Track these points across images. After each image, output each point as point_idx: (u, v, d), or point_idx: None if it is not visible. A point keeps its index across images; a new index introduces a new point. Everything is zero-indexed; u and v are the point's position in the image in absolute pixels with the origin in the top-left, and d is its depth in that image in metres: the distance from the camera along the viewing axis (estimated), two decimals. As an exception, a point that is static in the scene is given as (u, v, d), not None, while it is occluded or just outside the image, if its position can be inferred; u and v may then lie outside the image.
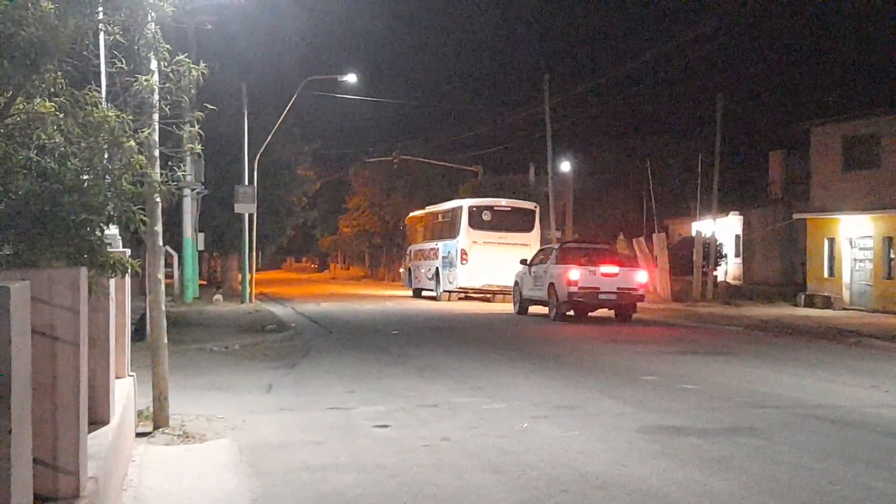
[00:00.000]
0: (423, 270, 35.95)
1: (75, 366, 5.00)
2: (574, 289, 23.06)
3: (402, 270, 42.22)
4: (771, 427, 9.32)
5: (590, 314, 24.70)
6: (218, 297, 29.86)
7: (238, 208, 30.19)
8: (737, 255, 41.16)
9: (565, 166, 47.07)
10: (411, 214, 41.77)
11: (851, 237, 29.57)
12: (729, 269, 40.65)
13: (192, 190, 28.25)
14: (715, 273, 35.45)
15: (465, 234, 31.89)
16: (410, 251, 38.62)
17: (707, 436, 8.85)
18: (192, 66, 7.52)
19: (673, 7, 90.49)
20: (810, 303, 29.54)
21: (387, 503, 6.63)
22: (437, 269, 33.83)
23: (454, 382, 12.59)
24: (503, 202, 33.93)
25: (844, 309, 28.57)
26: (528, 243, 30.99)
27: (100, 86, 7.88)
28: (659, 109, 62.18)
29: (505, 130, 52.68)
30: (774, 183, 41.63)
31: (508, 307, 28.22)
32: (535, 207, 33.27)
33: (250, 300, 29.82)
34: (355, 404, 10.78)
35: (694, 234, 35.77)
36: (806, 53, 66.76)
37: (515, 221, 32.34)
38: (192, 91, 7.69)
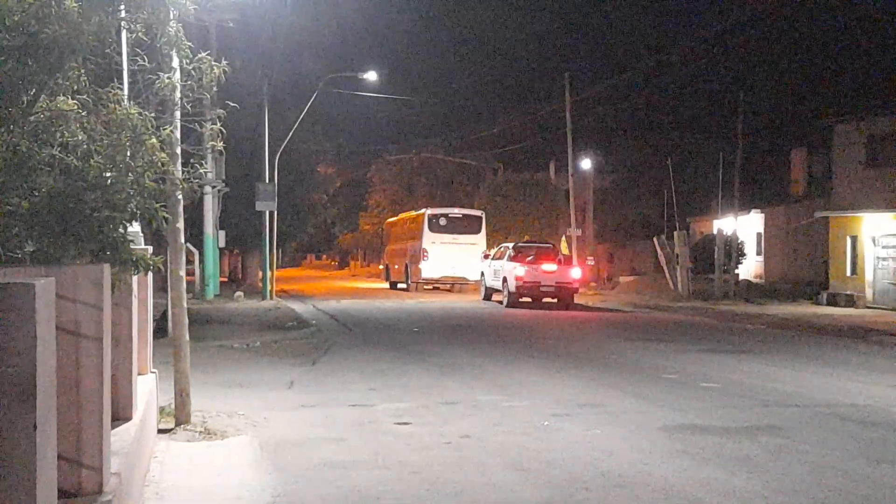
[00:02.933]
0: (396, 266, 41.74)
1: (99, 362, 5.02)
2: (520, 282, 28.29)
3: (381, 267, 48.11)
4: (793, 426, 9.26)
5: (542, 301, 29.18)
6: (239, 294, 29.94)
7: (259, 206, 30.26)
8: (758, 254, 40.86)
9: (586, 164, 46.83)
10: (388, 220, 47.84)
11: (874, 235, 29.28)
12: (750, 267, 40.38)
13: (214, 187, 28.31)
14: (737, 271, 35.25)
15: (426, 236, 37.64)
16: (387, 250, 44.45)
17: (729, 434, 8.81)
18: (213, 63, 7.55)
19: (695, 4, 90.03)
20: (832, 301, 29.29)
21: (409, 500, 6.63)
22: (406, 264, 39.59)
23: (474, 379, 12.59)
24: (456, 210, 40.31)
25: (867, 307, 28.31)
26: (476, 243, 37.33)
27: (122, 84, 7.89)
28: (680, 107, 61.99)
29: (526, 128, 52.56)
30: (796, 181, 41.34)
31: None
32: (482, 214, 39.39)
33: (271, 297, 29.87)
34: (377, 401, 10.80)
35: (715, 231, 35.56)
36: (829, 50, 66.22)
37: (466, 225, 38.25)
38: (214, 89, 7.71)
